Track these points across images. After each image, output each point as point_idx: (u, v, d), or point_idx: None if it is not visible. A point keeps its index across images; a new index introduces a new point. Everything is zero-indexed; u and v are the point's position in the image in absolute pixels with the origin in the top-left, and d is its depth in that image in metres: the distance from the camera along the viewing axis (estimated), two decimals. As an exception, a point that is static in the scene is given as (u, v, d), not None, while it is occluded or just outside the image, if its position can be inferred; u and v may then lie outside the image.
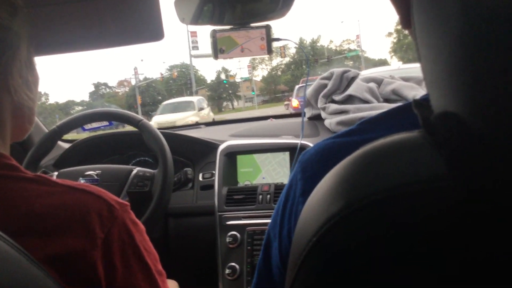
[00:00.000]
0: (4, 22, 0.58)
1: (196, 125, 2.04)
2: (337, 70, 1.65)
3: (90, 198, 0.60)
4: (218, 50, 1.28)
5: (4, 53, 0.59)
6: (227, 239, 1.39)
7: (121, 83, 63.95)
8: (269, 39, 1.26)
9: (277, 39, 1.35)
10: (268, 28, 1.24)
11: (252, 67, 54.76)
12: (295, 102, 13.22)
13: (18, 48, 0.61)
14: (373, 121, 0.52)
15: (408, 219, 0.29)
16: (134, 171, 1.33)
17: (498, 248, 0.27)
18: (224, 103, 58.36)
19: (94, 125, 1.55)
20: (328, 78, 1.65)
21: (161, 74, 48.62)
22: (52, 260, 0.53)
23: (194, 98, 18.11)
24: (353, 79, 1.63)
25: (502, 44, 0.24)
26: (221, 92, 57.80)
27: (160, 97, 54.36)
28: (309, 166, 0.53)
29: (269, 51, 1.27)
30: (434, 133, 0.30)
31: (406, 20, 0.47)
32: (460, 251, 0.28)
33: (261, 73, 62.06)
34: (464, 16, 0.26)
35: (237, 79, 55.61)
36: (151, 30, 1.02)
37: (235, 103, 57.68)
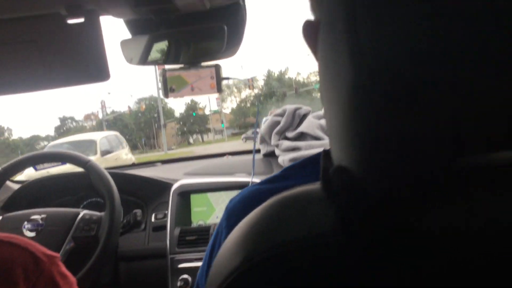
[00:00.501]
0: None
1: (151, 162, 2.02)
2: (289, 107, 1.68)
3: (16, 251, 0.58)
4: (169, 89, 1.28)
5: None
6: (179, 283, 1.36)
7: (88, 117, 63.07)
8: (219, 78, 1.27)
9: (227, 78, 1.36)
10: (217, 67, 1.26)
11: (222, 99, 55.19)
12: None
13: None
14: (295, 168, 0.53)
15: (300, 275, 0.29)
16: (81, 215, 1.29)
17: None
18: (194, 136, 58.23)
19: (46, 165, 1.51)
20: (281, 115, 1.68)
21: (129, 107, 48.21)
22: None
23: (98, 136, 11.86)
24: (305, 116, 1.66)
25: (386, 101, 0.25)
26: (191, 125, 57.75)
27: (128, 130, 53.81)
28: (234, 214, 0.53)
29: (219, 89, 1.28)
30: (329, 187, 0.31)
31: None
32: None
33: (230, 105, 62.58)
34: (354, 71, 0.27)
35: (207, 112, 55.83)
36: (96, 71, 1.02)
37: (205, 136, 57.64)
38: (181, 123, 58.84)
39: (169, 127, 57.96)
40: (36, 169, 1.60)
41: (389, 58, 0.25)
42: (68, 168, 1.79)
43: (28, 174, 3.03)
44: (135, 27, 1.17)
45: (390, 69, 0.25)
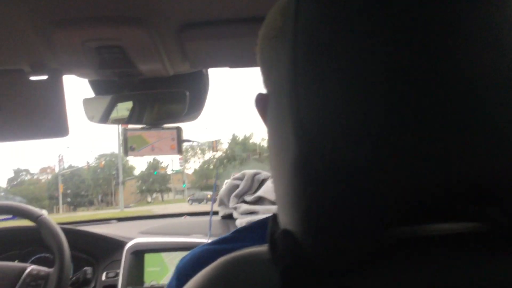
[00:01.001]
0: None
1: (107, 220, 1.99)
2: (248, 171, 1.73)
3: None
4: (129, 147, 1.30)
5: None
6: None
7: (44, 170, 60.88)
8: (180, 140, 1.31)
9: (187, 141, 1.41)
10: (179, 129, 1.29)
11: (184, 160, 54.89)
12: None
13: None
14: (246, 230, 0.56)
15: None
16: (28, 270, 1.25)
17: None
18: (154, 195, 56.95)
19: (-4, 217, 1.47)
20: (240, 178, 1.73)
21: (87, 163, 47.06)
22: None
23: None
24: (264, 181, 1.72)
25: (324, 172, 0.28)
26: (151, 184, 56.65)
27: (85, 186, 52.13)
28: (183, 273, 0.55)
29: (179, 151, 1.32)
30: (274, 249, 0.33)
31: None
32: None
33: (193, 165, 62.22)
34: (297, 145, 0.29)
35: (169, 171, 55.12)
36: (56, 126, 1.04)
37: (166, 195, 56.48)
38: (141, 181, 57.67)
39: (128, 185, 56.58)
40: (-15, 221, 1.55)
41: (327, 133, 0.28)
42: (16, 222, 1.75)
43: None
44: (99, 87, 1.22)
45: (329, 143, 0.27)
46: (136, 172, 60.13)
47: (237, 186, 1.72)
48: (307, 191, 0.29)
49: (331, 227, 0.29)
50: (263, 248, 0.35)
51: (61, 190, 37.90)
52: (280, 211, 0.34)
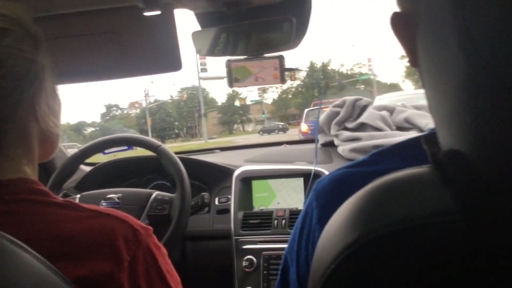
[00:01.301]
0: (28, 55, 0.62)
1: (211, 149, 2.10)
2: (349, 98, 1.71)
3: (116, 223, 0.63)
4: (233, 79, 1.33)
5: (32, 85, 0.63)
6: (244, 263, 1.43)
7: (132, 105, 64.78)
8: (282, 69, 1.31)
9: (290, 69, 1.41)
10: (281, 58, 1.29)
11: (263, 90, 55.22)
12: (304, 127, 13.09)
13: (43, 79, 0.65)
14: (384, 153, 0.56)
15: (420, 249, 0.31)
16: (154, 195, 1.38)
17: (503, 278, 0.29)
18: (235, 126, 58.67)
19: (113, 149, 1.62)
20: (341, 106, 1.71)
21: (171, 96, 49.00)
22: (83, 282, 0.56)
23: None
24: (365, 107, 1.69)
25: (503, 89, 0.27)
26: (232, 115, 58.19)
27: (170, 119, 54.86)
28: (323, 195, 0.57)
29: (282, 80, 1.32)
30: (442, 170, 0.33)
31: (413, 59, 0.50)
32: (469, 281, 0.30)
33: (271, 96, 62.58)
34: (467, 63, 0.28)
35: (248, 102, 56.04)
36: (169, 61, 1.09)
37: (246, 126, 57.96)
38: (222, 113, 59.42)
39: (210, 117, 58.74)
40: (104, 153, 1.71)
41: (502, 48, 0.26)
42: (133, 152, 1.90)
43: (96, 156, 3.21)
44: (205, 19, 1.24)
45: (504, 58, 0.26)
46: (218, 104, 61.91)
47: (337, 113, 1.71)
48: (482, 110, 0.28)
49: (509, 146, 0.27)
50: (422, 169, 0.35)
51: (149, 123, 40.27)
52: (443, 132, 0.34)
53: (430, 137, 0.37)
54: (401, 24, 0.50)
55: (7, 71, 0.59)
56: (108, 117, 61.95)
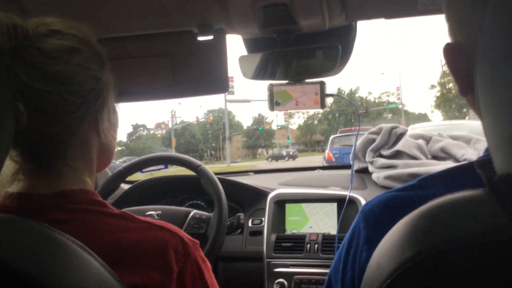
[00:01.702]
0: (95, 73, 0.66)
1: (245, 172, 2.14)
2: (386, 125, 1.72)
3: (168, 235, 0.67)
4: (275, 102, 1.37)
5: (97, 101, 0.67)
6: (275, 286, 1.44)
7: (158, 125, 65.81)
8: (323, 95, 1.34)
9: (331, 95, 1.44)
10: (322, 84, 1.32)
11: (289, 115, 55.42)
12: (330, 154, 12.99)
13: (107, 96, 0.70)
14: (433, 178, 0.58)
15: (477, 266, 0.32)
16: (191, 213, 1.42)
17: None
18: (259, 150, 58.76)
19: (151, 168, 1.67)
20: (377, 133, 1.73)
21: (197, 118, 49.56)
22: None
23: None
24: (401, 135, 1.70)
25: None
26: (256, 139, 58.39)
27: (195, 140, 55.37)
28: (372, 216, 0.59)
29: (322, 105, 1.35)
30: (498, 192, 0.34)
31: (464, 88, 0.53)
32: None
33: (297, 121, 62.65)
34: None
35: (273, 127, 56.23)
36: (218, 83, 1.14)
37: (270, 151, 57.98)
38: (247, 136, 59.69)
39: (235, 140, 59.09)
40: (142, 171, 1.76)
41: None
42: (168, 171, 1.95)
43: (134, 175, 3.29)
44: (252, 44, 1.29)
45: None
46: (243, 127, 62.27)
47: (373, 140, 1.73)
48: None
49: None
50: (477, 192, 0.37)
51: (173, 144, 40.73)
52: (499, 156, 0.35)
53: (484, 162, 0.38)
54: (455, 54, 0.53)
55: (76, 88, 0.63)
56: (134, 137, 63.04)
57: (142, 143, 56.79)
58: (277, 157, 38.87)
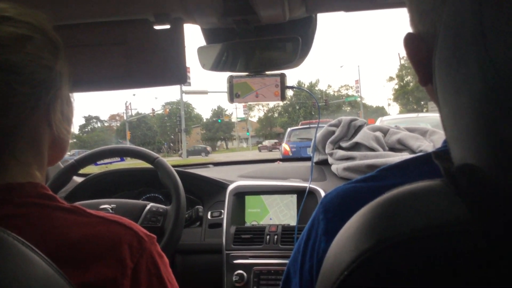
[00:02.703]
0: (48, 63, 0.64)
1: (204, 164, 2.14)
2: (345, 118, 1.77)
3: (122, 229, 0.65)
4: (234, 94, 1.37)
5: (49, 92, 0.64)
6: (234, 278, 1.46)
7: (113, 117, 64.20)
8: (283, 87, 1.36)
9: (291, 87, 1.46)
10: (283, 76, 1.33)
11: (249, 107, 55.50)
12: (286, 147, 12.72)
13: (60, 87, 0.67)
14: (391, 169, 0.59)
15: (434, 258, 0.33)
16: (148, 207, 1.41)
17: None
18: (218, 143, 58.60)
19: (106, 160, 1.64)
20: (336, 125, 1.77)
21: (153, 110, 48.45)
22: (87, 287, 0.58)
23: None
24: (360, 127, 1.76)
25: None
26: (216, 132, 58.18)
27: (151, 133, 54.49)
28: (331, 207, 0.59)
29: (283, 97, 1.37)
30: (456, 182, 0.35)
31: (424, 78, 0.54)
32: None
33: (257, 114, 62.87)
34: (485, 82, 0.30)
35: (233, 119, 56.18)
36: (175, 74, 1.12)
37: (230, 143, 57.96)
38: (206, 129, 59.35)
39: (194, 133, 58.60)
40: (96, 164, 1.72)
41: None
42: (123, 164, 1.92)
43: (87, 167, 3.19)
44: (211, 35, 1.29)
45: None
46: (203, 120, 61.84)
47: (332, 133, 1.77)
48: (498, 127, 0.30)
49: None
50: (435, 182, 0.37)
51: (128, 137, 39.75)
52: (456, 147, 0.36)
53: (441, 153, 0.39)
54: (415, 44, 0.54)
55: (26, 77, 0.61)
56: (87, 129, 61.26)
57: (95, 135, 55.29)
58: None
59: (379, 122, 8.99)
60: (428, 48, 0.52)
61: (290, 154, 12.27)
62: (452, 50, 0.34)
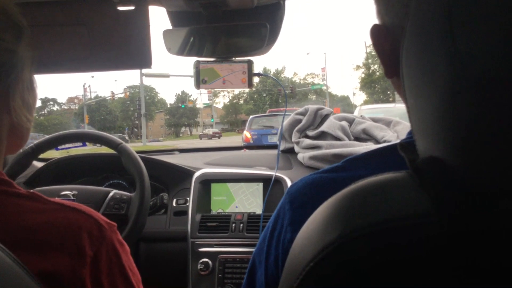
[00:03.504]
0: (9, 45, 0.62)
1: (170, 151, 2.13)
2: (312, 106, 1.80)
3: (81, 217, 0.64)
4: (201, 80, 1.37)
5: (9, 76, 0.62)
6: (199, 266, 1.47)
7: (71, 100, 62.44)
8: (250, 74, 1.36)
9: (258, 74, 1.47)
10: (250, 63, 1.34)
11: (213, 93, 55.15)
12: (247, 135, 12.80)
13: (22, 71, 0.65)
14: (357, 160, 0.60)
15: (396, 249, 0.34)
16: (111, 194, 1.39)
17: (476, 276, 0.32)
18: (182, 129, 58.05)
19: (67, 145, 1.61)
20: (303, 114, 1.80)
21: (112, 93, 47.10)
22: (45, 276, 0.57)
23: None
24: (326, 116, 1.79)
25: (485, 100, 0.29)
26: (180, 117, 57.56)
27: (112, 117, 53.34)
28: (298, 198, 0.60)
29: (250, 84, 1.38)
30: (420, 175, 0.35)
31: (390, 70, 0.56)
32: (443, 280, 0.33)
33: (222, 100, 62.57)
34: (451, 74, 0.31)
35: (198, 105, 55.70)
36: (140, 57, 1.11)
37: (194, 130, 57.49)
38: (170, 114, 58.62)
39: (157, 118, 57.79)
40: (57, 149, 1.69)
41: (487, 64, 0.28)
42: (86, 149, 1.89)
43: (48, 152, 3.10)
44: (178, 18, 1.28)
45: (488, 73, 0.28)
46: (168, 105, 60.98)
47: (299, 121, 1.79)
48: (464, 121, 0.31)
49: (489, 155, 0.30)
50: (400, 174, 0.38)
51: (86, 121, 38.62)
52: (422, 139, 0.37)
53: (407, 145, 0.40)
54: (381, 36, 0.56)
55: None
56: (43, 112, 59.32)
57: (53, 118, 53.61)
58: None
59: (358, 111, 9.18)
60: (394, 40, 0.54)
61: (251, 141, 12.36)
62: (420, 42, 0.35)
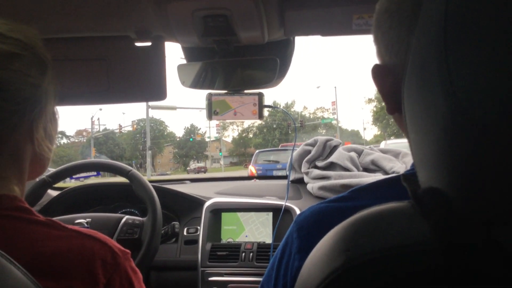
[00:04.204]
0: (35, 81, 0.66)
1: (181, 180, 2.19)
2: (321, 138, 1.86)
3: (96, 244, 0.67)
4: (213, 111, 1.44)
5: (34, 110, 0.66)
6: (209, 295, 1.50)
7: (79, 133, 63.04)
8: (261, 106, 1.42)
9: (269, 106, 1.54)
10: (261, 95, 1.40)
11: (222, 127, 55.49)
12: (252, 169, 12.92)
13: (46, 104, 0.69)
14: (362, 190, 0.64)
15: (398, 276, 0.36)
16: (124, 219, 1.45)
17: None
18: (191, 162, 58.18)
19: (81, 174, 1.67)
20: (312, 144, 1.86)
21: (120, 126, 47.54)
22: None
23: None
24: (335, 147, 1.84)
25: (480, 135, 0.31)
26: (188, 150, 57.78)
27: (119, 150, 53.64)
28: (305, 226, 0.63)
29: (260, 116, 1.43)
30: (422, 205, 0.38)
31: (391, 107, 0.60)
32: None
33: (231, 133, 62.92)
34: (449, 110, 0.32)
35: (206, 138, 55.99)
36: (155, 90, 1.18)
37: (202, 163, 57.55)
38: (179, 147, 58.87)
39: (166, 151, 58.07)
40: (72, 178, 1.75)
41: (482, 102, 0.30)
42: (101, 179, 1.95)
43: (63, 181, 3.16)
44: (192, 53, 1.35)
45: (483, 111, 0.30)
46: (177, 138, 61.29)
47: (308, 152, 1.85)
48: (461, 153, 0.33)
49: (486, 186, 0.32)
50: (402, 204, 0.41)
51: (93, 154, 38.83)
52: (423, 172, 0.39)
53: (410, 176, 0.42)
54: (382, 75, 0.59)
55: (10, 94, 0.62)
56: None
57: (60, 151, 54.02)
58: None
59: (383, 144, 9.21)
60: (394, 78, 0.58)
61: (256, 174, 12.36)
62: (419, 79, 0.36)
